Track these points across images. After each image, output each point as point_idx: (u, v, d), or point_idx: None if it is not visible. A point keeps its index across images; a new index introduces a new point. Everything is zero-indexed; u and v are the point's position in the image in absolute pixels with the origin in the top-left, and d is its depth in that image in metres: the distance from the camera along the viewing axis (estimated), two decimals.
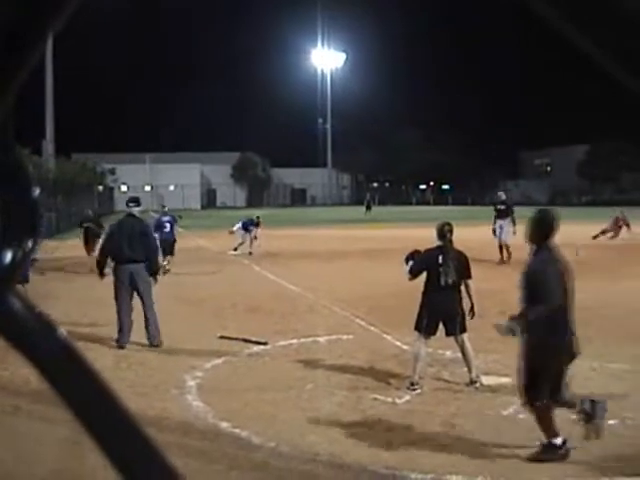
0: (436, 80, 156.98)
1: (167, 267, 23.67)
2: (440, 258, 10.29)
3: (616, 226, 39.93)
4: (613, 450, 7.81)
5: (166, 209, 26.95)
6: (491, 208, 27.85)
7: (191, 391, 10.16)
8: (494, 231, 27.02)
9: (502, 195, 28.98)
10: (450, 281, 10.22)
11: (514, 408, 9.24)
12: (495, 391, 10.07)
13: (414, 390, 10.00)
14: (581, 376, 10.71)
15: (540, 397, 7.60)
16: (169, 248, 24.36)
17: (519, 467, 7.43)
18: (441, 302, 10.25)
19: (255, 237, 29.98)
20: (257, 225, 29.86)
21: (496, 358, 11.61)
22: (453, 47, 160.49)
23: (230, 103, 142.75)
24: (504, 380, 10.54)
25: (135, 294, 13.15)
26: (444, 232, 10.51)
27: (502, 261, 25.83)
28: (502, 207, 27.51)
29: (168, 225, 24.85)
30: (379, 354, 12.28)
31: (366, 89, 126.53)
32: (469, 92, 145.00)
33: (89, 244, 25.32)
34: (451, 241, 10.52)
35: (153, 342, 12.96)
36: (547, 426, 7.63)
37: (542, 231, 8.36)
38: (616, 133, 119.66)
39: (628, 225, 39.55)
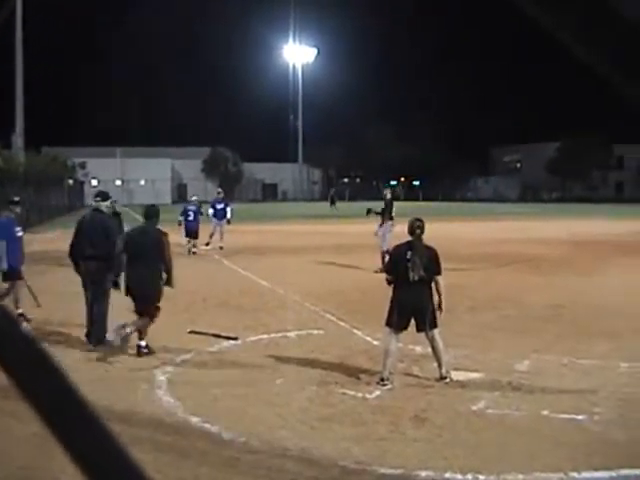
0: (407, 76, 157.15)
1: (193, 250, 27.95)
2: (409, 254, 10.30)
3: None
4: (582, 445, 7.86)
5: (194, 199, 30.91)
6: (461, 204, 27.53)
7: (161, 386, 10.13)
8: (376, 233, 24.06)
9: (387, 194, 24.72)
10: (418, 276, 10.22)
11: (484, 403, 9.30)
12: (465, 386, 10.10)
13: (384, 385, 10.01)
14: (552, 372, 10.81)
15: None
16: (193, 234, 28.42)
17: (488, 461, 7.45)
18: (411, 298, 10.26)
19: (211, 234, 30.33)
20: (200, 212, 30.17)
21: (466, 353, 11.67)
22: (425, 43, 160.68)
23: (201, 98, 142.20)
24: (474, 375, 10.60)
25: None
26: (414, 228, 10.54)
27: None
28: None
29: (192, 214, 28.77)
30: (349, 349, 12.29)
31: (337, 84, 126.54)
32: (440, 88, 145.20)
33: None
34: (420, 237, 10.52)
35: (92, 342, 12.55)
36: None
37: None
38: (586, 130, 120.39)
39: None
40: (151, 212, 12.85)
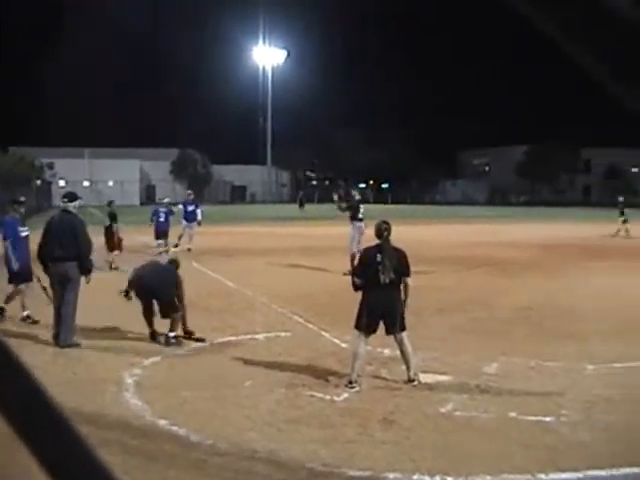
0: (376, 79, 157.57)
1: (164, 249, 27.30)
2: (378, 256, 10.31)
3: None
4: (550, 446, 7.91)
5: (166, 200, 30.78)
6: (430, 207, 27.35)
7: (129, 388, 10.08)
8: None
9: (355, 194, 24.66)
10: (389, 279, 10.23)
11: (452, 405, 9.33)
12: (433, 389, 10.13)
13: (352, 388, 10.01)
14: (519, 375, 10.87)
15: None
16: (163, 235, 28.35)
17: (456, 463, 7.48)
18: (381, 300, 10.28)
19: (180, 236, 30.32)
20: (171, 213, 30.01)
21: (434, 356, 11.70)
22: (393, 47, 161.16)
23: (170, 99, 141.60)
24: (442, 378, 10.63)
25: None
26: (381, 231, 10.55)
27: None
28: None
29: (163, 215, 28.68)
30: (317, 351, 12.29)
31: (307, 87, 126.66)
32: (409, 92, 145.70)
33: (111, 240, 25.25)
34: (388, 239, 10.54)
35: (60, 343, 12.49)
36: None
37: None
38: (554, 134, 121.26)
39: None
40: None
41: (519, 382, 10.50)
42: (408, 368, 10.36)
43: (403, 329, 10.37)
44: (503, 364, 11.46)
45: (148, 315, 13.10)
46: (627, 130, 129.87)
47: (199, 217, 31.12)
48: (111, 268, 23.54)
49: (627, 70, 0.92)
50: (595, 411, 9.18)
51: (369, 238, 12.64)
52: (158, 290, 12.96)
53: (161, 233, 28.26)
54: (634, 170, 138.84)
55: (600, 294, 19.19)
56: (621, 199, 42.73)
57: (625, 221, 40.70)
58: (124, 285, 13.32)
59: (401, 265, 10.43)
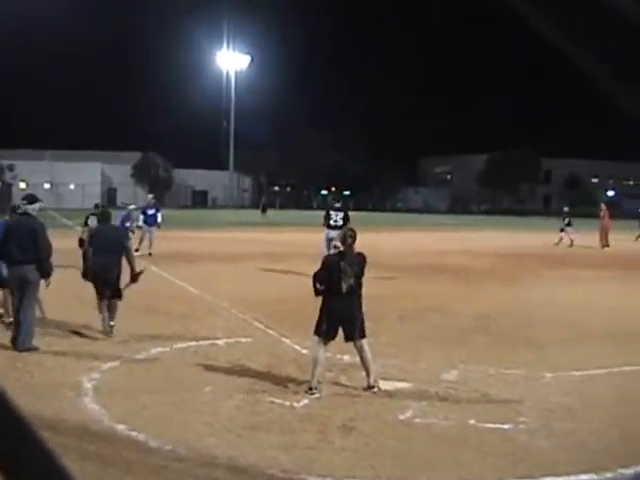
0: (339, 86, 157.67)
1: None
2: (341, 264, 10.31)
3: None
4: (508, 454, 7.95)
5: (132, 207, 30.45)
6: (391, 214, 27.21)
7: (87, 393, 10.01)
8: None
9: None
10: (350, 287, 10.24)
11: (411, 412, 9.36)
12: (393, 395, 10.15)
13: (312, 394, 10.01)
14: (479, 382, 10.93)
15: None
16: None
17: (415, 470, 7.50)
18: (341, 307, 10.28)
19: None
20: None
21: (394, 363, 11.73)
22: (357, 52, 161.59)
23: (133, 102, 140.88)
24: (402, 385, 10.66)
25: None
26: (346, 237, 10.55)
27: None
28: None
29: (151, 211, 29.63)
30: (277, 358, 12.28)
31: (270, 92, 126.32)
32: (372, 99, 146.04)
33: None
34: (352, 247, 10.52)
35: (18, 347, 12.34)
36: None
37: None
38: (515, 143, 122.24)
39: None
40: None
41: (478, 390, 10.56)
42: (368, 375, 10.37)
43: (363, 336, 10.37)
44: (462, 372, 11.52)
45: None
46: (588, 141, 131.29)
47: (159, 221, 31.05)
48: None
49: (627, 69, 0.93)
50: (553, 419, 9.25)
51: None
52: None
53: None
54: (594, 181, 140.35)
55: (558, 303, 19.37)
56: (566, 209, 43.49)
57: (562, 230, 41.42)
58: (79, 289, 13.22)
59: (361, 269, 10.49)
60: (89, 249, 14.69)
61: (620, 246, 41.07)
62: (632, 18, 0.92)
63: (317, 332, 10.38)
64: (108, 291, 14.19)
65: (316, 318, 10.40)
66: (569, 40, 0.94)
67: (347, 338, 10.42)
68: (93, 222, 27.39)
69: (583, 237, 41.59)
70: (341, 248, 10.47)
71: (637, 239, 45.17)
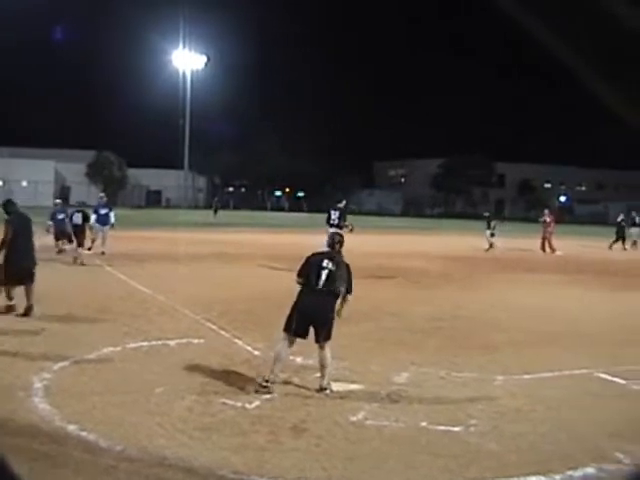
0: (295, 87, 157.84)
1: (64, 247, 27.98)
2: (325, 262, 10.39)
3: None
4: (459, 456, 8.00)
5: (57, 201, 31.48)
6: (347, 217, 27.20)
7: (38, 393, 9.91)
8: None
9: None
10: (330, 287, 10.29)
11: (363, 414, 9.39)
12: (344, 397, 10.17)
13: (265, 387, 10.04)
14: (430, 384, 10.99)
15: None
16: (62, 234, 27.81)
17: (367, 472, 7.53)
18: (315, 306, 10.29)
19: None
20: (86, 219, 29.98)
21: (345, 365, 11.75)
22: (313, 56, 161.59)
23: (87, 100, 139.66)
24: (353, 386, 10.69)
25: None
26: (334, 242, 10.79)
27: None
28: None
29: (61, 215, 28.42)
30: (230, 358, 12.25)
31: (226, 93, 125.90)
32: (326, 101, 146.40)
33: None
34: (340, 252, 10.73)
35: None
36: None
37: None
38: (469, 147, 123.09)
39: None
40: None
41: (429, 392, 10.61)
42: (322, 376, 10.38)
43: (329, 338, 10.38)
44: (414, 374, 11.57)
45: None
46: (541, 147, 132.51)
47: (112, 220, 30.86)
48: (79, 263, 26.16)
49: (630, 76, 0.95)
50: (504, 421, 9.33)
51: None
52: None
53: (61, 233, 28.01)
54: (547, 186, 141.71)
55: (510, 305, 19.56)
56: (486, 214, 44.01)
57: (493, 235, 41.84)
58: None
59: (346, 279, 10.56)
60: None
61: (570, 250, 41.56)
62: (623, 20, 0.94)
63: (286, 328, 10.35)
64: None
65: (271, 319, 10.38)
66: (560, 42, 0.96)
67: (316, 339, 10.38)
68: (77, 219, 27.69)
69: (535, 242, 42.03)
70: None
71: (610, 247, 45.57)
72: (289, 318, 10.36)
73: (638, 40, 0.91)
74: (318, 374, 10.53)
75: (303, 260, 10.66)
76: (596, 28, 0.90)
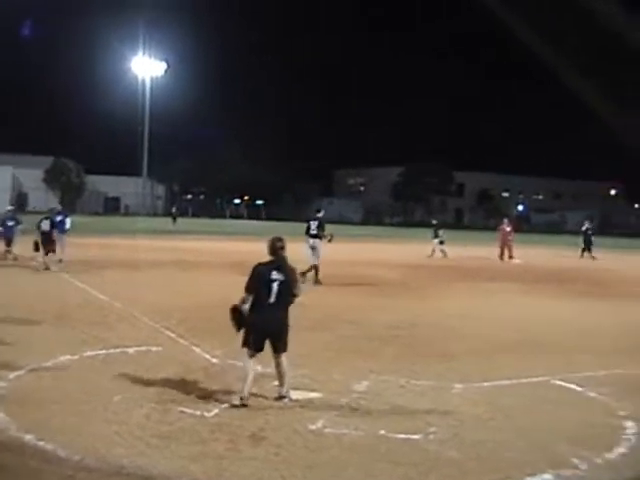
0: (255, 95, 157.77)
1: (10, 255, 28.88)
2: (274, 274, 10.16)
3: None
4: (418, 463, 8.01)
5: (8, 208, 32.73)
6: (304, 224, 27.31)
7: None
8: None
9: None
10: (281, 298, 10.14)
11: (322, 422, 9.37)
12: (303, 406, 10.15)
13: (244, 406, 9.89)
14: (389, 392, 11.00)
15: None
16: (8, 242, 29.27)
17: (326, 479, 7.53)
18: (270, 321, 10.14)
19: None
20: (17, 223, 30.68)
21: (305, 373, 11.72)
22: (272, 62, 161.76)
23: (46, 106, 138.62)
24: (312, 395, 10.67)
25: None
26: (276, 248, 10.40)
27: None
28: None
29: (11, 222, 30.04)
30: (188, 366, 12.19)
31: (186, 100, 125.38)
32: (288, 108, 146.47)
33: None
34: (284, 257, 10.43)
35: None
36: None
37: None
38: (428, 157, 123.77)
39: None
40: None
41: (389, 400, 10.62)
42: (281, 384, 10.35)
43: (285, 349, 10.30)
44: (373, 382, 11.57)
45: None
46: (500, 156, 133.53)
47: (67, 226, 30.67)
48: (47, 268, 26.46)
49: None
50: (463, 429, 9.35)
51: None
52: None
53: (7, 240, 28.16)
54: (505, 195, 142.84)
55: (468, 313, 19.65)
56: (435, 222, 44.33)
57: (441, 242, 42.09)
58: None
59: (294, 284, 10.37)
60: None
61: (528, 259, 41.88)
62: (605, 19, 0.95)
63: (245, 344, 10.23)
64: None
65: (229, 327, 10.32)
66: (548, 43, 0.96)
67: (274, 350, 10.28)
68: (46, 225, 27.58)
69: (493, 250, 42.37)
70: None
71: (582, 255, 45.92)
72: (246, 334, 10.21)
73: (617, 37, 0.92)
74: (276, 382, 10.50)
75: (250, 273, 10.37)
76: (578, 25, 0.91)
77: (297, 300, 10.56)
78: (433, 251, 42.30)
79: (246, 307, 10.19)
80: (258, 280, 10.22)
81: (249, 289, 10.25)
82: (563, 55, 0.90)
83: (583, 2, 0.83)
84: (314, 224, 26.42)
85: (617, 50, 0.86)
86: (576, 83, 0.93)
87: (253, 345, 10.15)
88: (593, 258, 44.90)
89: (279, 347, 10.23)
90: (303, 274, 24.14)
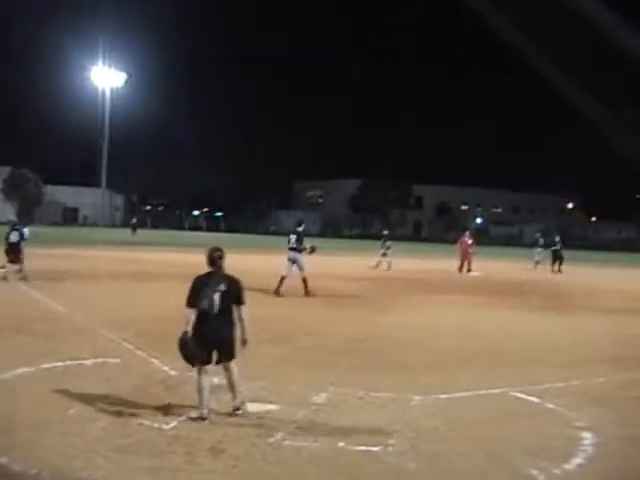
0: (214, 107, 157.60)
1: None
2: (213, 284, 10.04)
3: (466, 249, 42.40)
4: (377, 476, 8.02)
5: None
6: (263, 237, 27.38)
7: None
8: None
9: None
10: (220, 308, 9.99)
11: (281, 435, 9.34)
12: (262, 418, 10.10)
13: (203, 420, 9.76)
14: (348, 405, 10.99)
15: None
16: None
17: None
18: (212, 330, 9.98)
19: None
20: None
21: (263, 385, 11.70)
22: (236, 73, 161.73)
23: (3, 116, 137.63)
24: (271, 407, 10.63)
25: None
26: (214, 258, 10.25)
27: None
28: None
29: None
30: (146, 379, 12.12)
31: (146, 111, 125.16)
32: (245, 122, 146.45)
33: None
34: (222, 267, 10.26)
35: None
36: None
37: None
38: (386, 169, 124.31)
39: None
40: None
41: (348, 412, 10.61)
42: (234, 396, 10.24)
43: (232, 357, 10.19)
44: (332, 394, 11.56)
45: None
46: (458, 169, 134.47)
47: (26, 236, 30.48)
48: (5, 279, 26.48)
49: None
50: (421, 441, 9.36)
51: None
52: None
53: None
54: (463, 207, 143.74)
55: (427, 326, 19.71)
56: (385, 232, 44.62)
57: (384, 254, 42.29)
58: None
59: (235, 293, 10.17)
60: None
61: (486, 272, 42.14)
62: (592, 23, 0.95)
63: (192, 363, 10.13)
64: None
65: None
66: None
67: (218, 361, 10.19)
68: (14, 237, 27.58)
69: (452, 263, 42.58)
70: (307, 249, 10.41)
71: (552, 270, 46.73)
72: (187, 355, 10.05)
73: (602, 35, 0.92)
74: (230, 395, 10.43)
75: (190, 286, 10.21)
76: (563, 25, 0.90)
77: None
78: (378, 262, 42.33)
79: (190, 329, 9.99)
80: (198, 293, 10.06)
81: (190, 303, 10.07)
82: (559, 65, 0.90)
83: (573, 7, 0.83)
84: (293, 237, 26.82)
85: (615, 60, 0.86)
86: (573, 95, 0.93)
87: (199, 358, 10.00)
88: (560, 272, 45.54)
89: (225, 356, 10.10)
90: (277, 291, 25.56)
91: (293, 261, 26.38)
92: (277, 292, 25.45)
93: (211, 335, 9.99)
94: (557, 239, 48.11)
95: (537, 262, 49.97)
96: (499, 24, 0.96)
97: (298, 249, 26.45)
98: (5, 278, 26.30)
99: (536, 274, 44.34)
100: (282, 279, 25.86)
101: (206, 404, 9.93)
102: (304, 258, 26.50)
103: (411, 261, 46.37)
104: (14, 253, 27.27)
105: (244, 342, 10.23)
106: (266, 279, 26.64)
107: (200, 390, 9.98)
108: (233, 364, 10.22)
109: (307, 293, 25.85)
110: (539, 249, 51.55)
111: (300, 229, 27.34)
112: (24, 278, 26.74)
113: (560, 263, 46.62)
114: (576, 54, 0.96)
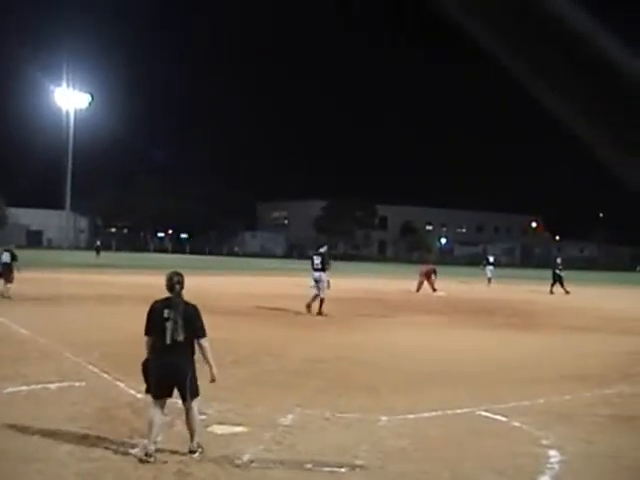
0: (178, 129, 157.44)
1: None
2: (166, 312, 9.41)
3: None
4: None
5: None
6: (228, 258, 27.53)
7: None
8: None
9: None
10: (178, 338, 9.31)
11: (248, 457, 9.31)
12: (229, 440, 10.07)
13: (148, 459, 9.04)
14: (315, 426, 10.98)
15: None
16: None
17: None
18: (169, 365, 9.35)
19: None
20: None
21: (229, 407, 11.67)
22: (198, 95, 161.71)
23: None
24: (238, 429, 10.60)
25: None
26: (173, 283, 9.62)
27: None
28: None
29: None
30: (112, 402, 12.05)
31: (110, 133, 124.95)
32: (209, 142, 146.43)
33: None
34: (180, 293, 9.63)
35: None
36: None
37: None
38: (351, 190, 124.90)
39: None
40: None
41: (314, 433, 10.61)
42: (192, 438, 9.54)
43: (195, 395, 9.50)
44: (298, 415, 11.55)
45: None
46: (423, 190, 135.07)
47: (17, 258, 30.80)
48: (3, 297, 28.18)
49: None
50: (388, 461, 9.37)
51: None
52: None
53: None
54: (428, 228, 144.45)
55: (391, 347, 19.75)
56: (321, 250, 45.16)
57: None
58: None
59: (194, 323, 9.48)
60: None
61: (451, 291, 42.35)
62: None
63: (148, 390, 9.68)
64: None
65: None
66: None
67: (182, 399, 9.51)
68: (6, 257, 28.05)
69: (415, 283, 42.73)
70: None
71: (488, 284, 47.80)
72: (146, 380, 9.62)
73: (583, 40, 0.94)
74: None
75: (147, 312, 9.78)
76: (545, 30, 0.92)
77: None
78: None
79: (150, 357, 9.58)
80: (153, 320, 9.55)
81: (147, 331, 9.65)
82: (558, 92, 0.91)
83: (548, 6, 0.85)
84: (317, 259, 28.66)
85: (614, 85, 0.87)
86: (572, 122, 0.95)
87: (154, 392, 9.50)
88: (552, 293, 46.30)
89: (185, 394, 9.39)
90: (308, 306, 27.31)
91: (317, 281, 28.01)
92: (320, 312, 27.14)
93: (164, 369, 9.40)
94: (559, 261, 48.71)
95: (489, 279, 52.12)
96: (489, 44, 0.98)
97: (323, 269, 28.13)
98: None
99: (501, 293, 44.55)
100: (319, 299, 27.77)
101: (153, 441, 9.28)
102: (327, 280, 28.05)
103: (377, 281, 46.45)
104: (6, 273, 28.80)
105: (212, 379, 9.64)
106: (229, 300, 26.63)
107: (149, 424, 9.39)
108: (194, 404, 9.53)
109: (320, 313, 27.06)
110: (490, 267, 53.68)
111: (322, 250, 29.45)
112: (9, 297, 28.02)
113: (561, 284, 47.01)
114: (574, 76, 0.98)
